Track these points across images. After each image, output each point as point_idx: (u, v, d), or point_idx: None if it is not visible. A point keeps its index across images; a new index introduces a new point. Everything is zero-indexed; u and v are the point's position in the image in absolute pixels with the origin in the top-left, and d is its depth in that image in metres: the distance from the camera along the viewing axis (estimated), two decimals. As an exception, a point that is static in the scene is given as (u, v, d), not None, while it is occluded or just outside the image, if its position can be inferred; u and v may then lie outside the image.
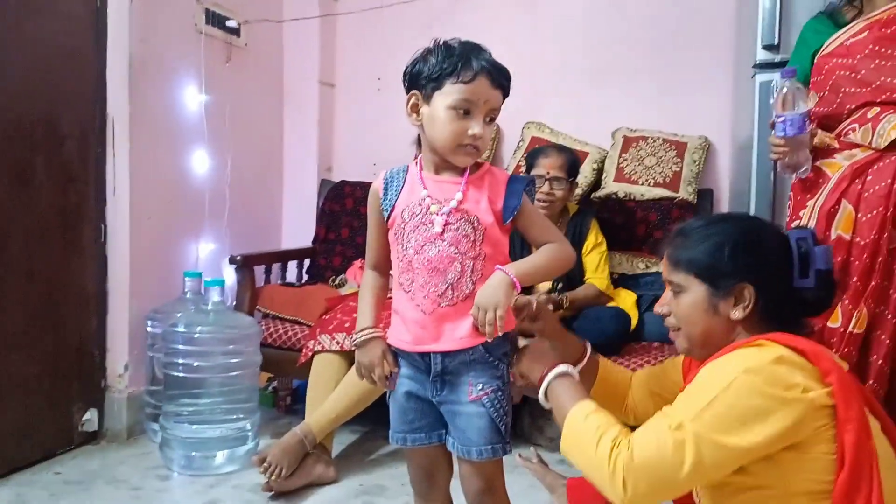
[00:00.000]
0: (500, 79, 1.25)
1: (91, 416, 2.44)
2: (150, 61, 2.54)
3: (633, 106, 2.95)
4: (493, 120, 1.28)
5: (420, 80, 1.26)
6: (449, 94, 1.23)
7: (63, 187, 2.32)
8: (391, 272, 1.39)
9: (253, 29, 3.11)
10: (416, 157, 1.40)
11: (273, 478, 2.03)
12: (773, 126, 1.73)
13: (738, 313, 1.18)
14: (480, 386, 1.29)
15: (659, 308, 1.30)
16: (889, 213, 1.64)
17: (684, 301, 1.23)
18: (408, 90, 1.30)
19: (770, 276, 1.19)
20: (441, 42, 1.27)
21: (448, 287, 1.26)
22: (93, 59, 2.43)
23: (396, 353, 1.36)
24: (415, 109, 1.29)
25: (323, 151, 3.46)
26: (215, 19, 2.87)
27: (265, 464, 2.03)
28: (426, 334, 1.29)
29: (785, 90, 1.67)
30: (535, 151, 2.58)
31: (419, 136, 2.89)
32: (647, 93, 2.94)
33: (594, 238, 2.52)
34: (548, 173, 2.45)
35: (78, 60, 2.38)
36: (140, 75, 2.50)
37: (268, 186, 3.38)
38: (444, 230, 1.26)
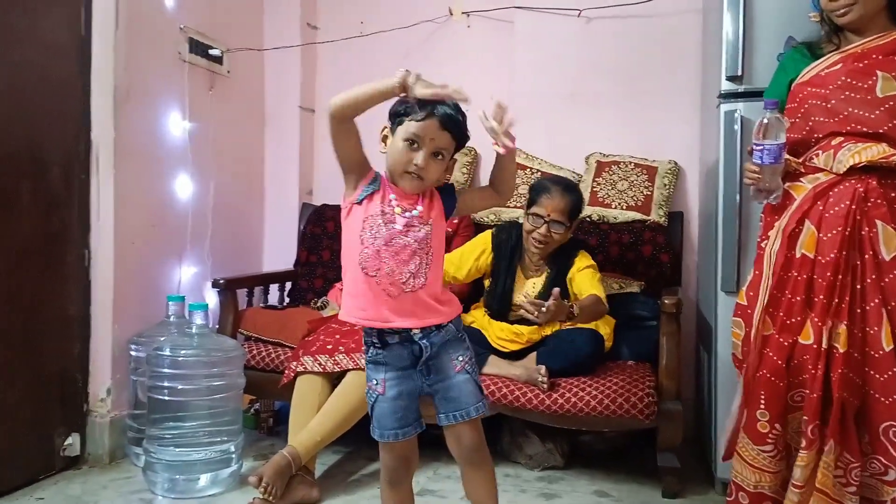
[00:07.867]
0: (448, 123, 1.48)
1: (73, 440, 2.44)
2: (134, 89, 2.58)
3: (606, 131, 3.04)
4: (442, 158, 1.51)
5: (393, 116, 1.53)
6: (405, 129, 1.48)
7: (47, 213, 2.35)
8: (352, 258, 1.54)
9: (235, 57, 3.17)
10: None
11: (270, 498, 2.05)
12: (751, 152, 1.81)
13: None
14: (459, 358, 1.57)
15: None
16: (848, 233, 1.72)
17: None
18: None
19: None
20: None
21: (410, 276, 1.51)
22: (77, 87, 2.47)
23: (385, 361, 1.56)
24: (384, 140, 1.55)
25: (304, 175, 3.51)
26: (199, 48, 2.92)
27: (264, 482, 2.06)
28: (396, 315, 1.51)
29: (766, 120, 1.74)
30: (539, 186, 2.44)
31: None
32: (619, 118, 3.04)
33: (582, 262, 2.44)
34: (548, 215, 2.36)
35: (63, 88, 2.42)
36: (124, 102, 2.54)
37: (250, 210, 3.42)
38: (407, 229, 1.50)
